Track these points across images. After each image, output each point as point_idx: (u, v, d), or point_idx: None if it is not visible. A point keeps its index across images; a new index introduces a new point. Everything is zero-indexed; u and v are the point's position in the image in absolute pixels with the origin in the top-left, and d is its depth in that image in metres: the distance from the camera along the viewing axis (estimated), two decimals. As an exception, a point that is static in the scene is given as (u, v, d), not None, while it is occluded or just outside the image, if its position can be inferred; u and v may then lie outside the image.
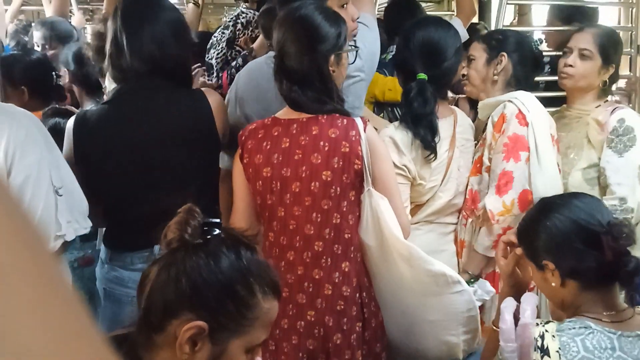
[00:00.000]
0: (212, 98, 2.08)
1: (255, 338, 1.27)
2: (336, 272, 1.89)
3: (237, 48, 3.46)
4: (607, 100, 2.57)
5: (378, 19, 3.91)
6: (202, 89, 2.19)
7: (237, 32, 3.50)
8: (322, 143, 1.85)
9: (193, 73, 3.01)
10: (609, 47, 2.51)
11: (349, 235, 1.89)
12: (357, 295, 1.91)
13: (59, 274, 0.34)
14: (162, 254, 1.29)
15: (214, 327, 1.21)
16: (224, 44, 3.47)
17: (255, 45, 3.23)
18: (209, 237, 1.29)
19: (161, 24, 2.01)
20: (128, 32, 1.98)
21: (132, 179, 2.00)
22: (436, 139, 2.26)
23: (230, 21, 3.57)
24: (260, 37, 3.11)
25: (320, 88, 1.88)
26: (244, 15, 3.54)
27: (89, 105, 2.61)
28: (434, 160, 2.28)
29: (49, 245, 1.68)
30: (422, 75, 2.29)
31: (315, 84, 1.88)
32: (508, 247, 1.81)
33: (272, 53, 2.28)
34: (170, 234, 1.28)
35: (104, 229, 2.20)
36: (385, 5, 5.00)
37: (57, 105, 2.63)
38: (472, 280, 2.24)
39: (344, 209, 1.87)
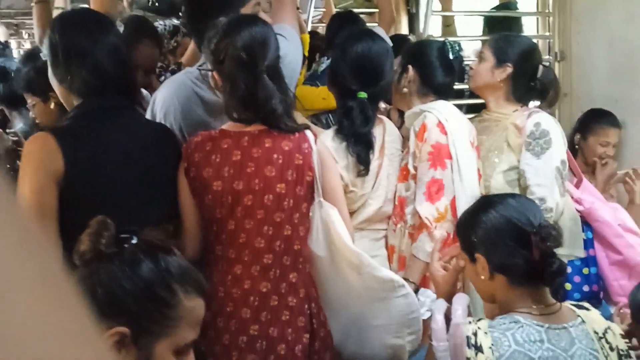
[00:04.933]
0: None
1: (182, 338, 1.24)
2: (283, 282, 1.87)
3: (160, 64, 3.11)
4: (523, 105, 2.68)
5: (312, 32, 3.95)
6: None
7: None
8: (275, 156, 1.84)
9: None
10: (503, 47, 2.61)
11: (299, 247, 1.89)
12: (306, 306, 1.90)
13: (64, 280, 0.34)
14: (76, 269, 1.24)
15: (136, 331, 1.19)
16: None
17: (184, 59, 3.01)
18: (125, 245, 1.26)
19: (113, 37, 1.88)
20: (81, 47, 1.82)
21: (128, 189, 1.82)
22: (370, 155, 2.31)
23: None
24: (190, 48, 2.92)
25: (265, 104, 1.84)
26: (159, 28, 3.24)
27: (19, 123, 2.52)
28: (366, 174, 2.32)
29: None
30: (363, 94, 2.30)
31: (259, 101, 1.83)
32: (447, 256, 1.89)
33: (189, 69, 2.22)
34: (83, 246, 1.24)
35: None
36: (319, 18, 5.04)
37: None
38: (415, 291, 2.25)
39: (296, 221, 1.87)
